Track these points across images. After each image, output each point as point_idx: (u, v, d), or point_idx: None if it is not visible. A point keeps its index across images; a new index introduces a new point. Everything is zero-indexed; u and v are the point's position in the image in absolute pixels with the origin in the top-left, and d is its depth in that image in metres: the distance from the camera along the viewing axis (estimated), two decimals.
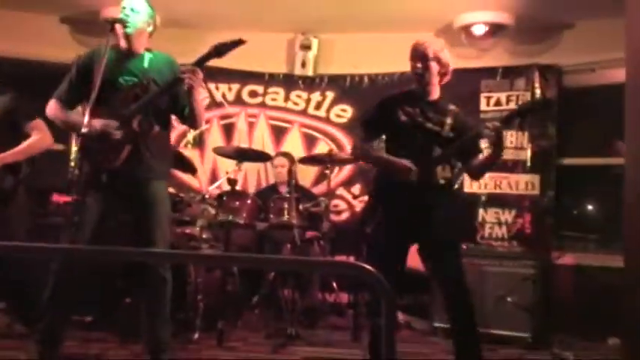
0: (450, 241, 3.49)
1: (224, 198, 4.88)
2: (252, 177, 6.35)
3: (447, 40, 6.15)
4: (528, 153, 5.82)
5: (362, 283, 4.47)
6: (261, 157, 5.37)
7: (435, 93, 3.55)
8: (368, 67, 6.35)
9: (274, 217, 4.92)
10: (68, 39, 6.34)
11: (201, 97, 6.12)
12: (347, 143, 6.28)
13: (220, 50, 3.34)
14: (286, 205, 4.91)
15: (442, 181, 3.42)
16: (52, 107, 3.54)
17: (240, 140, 6.35)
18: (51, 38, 6.24)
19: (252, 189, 6.17)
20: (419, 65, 3.49)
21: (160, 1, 5.66)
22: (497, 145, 3.36)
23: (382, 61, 6.30)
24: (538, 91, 5.83)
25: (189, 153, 6.11)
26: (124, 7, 3.50)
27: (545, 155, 5.79)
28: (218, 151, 5.26)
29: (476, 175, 3.76)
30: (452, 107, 3.55)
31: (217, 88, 6.47)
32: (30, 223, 4.81)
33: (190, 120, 3.54)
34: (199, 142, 6.46)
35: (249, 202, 4.93)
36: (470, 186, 5.91)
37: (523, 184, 5.82)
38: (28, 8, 6.02)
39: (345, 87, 6.39)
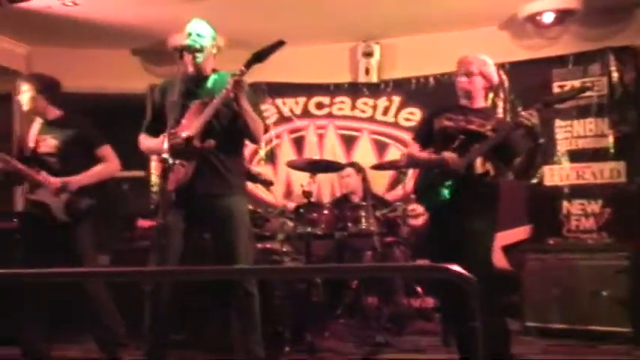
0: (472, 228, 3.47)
1: (301, 210, 4.91)
2: (325, 188, 6.37)
3: (513, 31, 6.07)
4: (610, 139, 5.60)
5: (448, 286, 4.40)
6: (333, 167, 5.38)
7: (480, 102, 3.69)
8: (433, 68, 6.28)
9: (352, 225, 4.91)
10: (140, 70, 6.57)
11: (267, 112, 6.36)
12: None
13: (260, 56, 3.37)
14: (363, 213, 4.90)
15: (479, 171, 3.50)
16: (140, 140, 3.70)
17: (311, 152, 6.39)
18: (124, 71, 6.49)
19: (326, 199, 6.19)
20: (463, 80, 3.65)
21: (222, 23, 5.85)
22: (532, 136, 3.43)
23: (446, 60, 6.15)
24: (615, 75, 5.61)
25: (262, 169, 6.19)
26: (189, 34, 3.59)
27: (629, 140, 5.56)
28: (291, 165, 5.30)
29: (520, 174, 3.73)
30: (497, 115, 3.60)
31: (284, 104, 6.55)
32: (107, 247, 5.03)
33: (246, 132, 3.55)
34: (271, 158, 6.55)
35: (326, 212, 4.94)
36: (551, 179, 5.73)
37: (608, 172, 5.60)
38: (101, 45, 6.27)
39: (411, 90, 6.34)
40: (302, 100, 6.55)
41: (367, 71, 6.34)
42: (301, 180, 5.62)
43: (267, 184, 5.38)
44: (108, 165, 4.13)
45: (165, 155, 3.31)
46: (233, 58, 6.21)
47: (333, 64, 6.51)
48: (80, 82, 6.33)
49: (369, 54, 6.32)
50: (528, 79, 5.83)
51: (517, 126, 3.42)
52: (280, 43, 3.40)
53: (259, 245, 4.92)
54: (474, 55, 3.73)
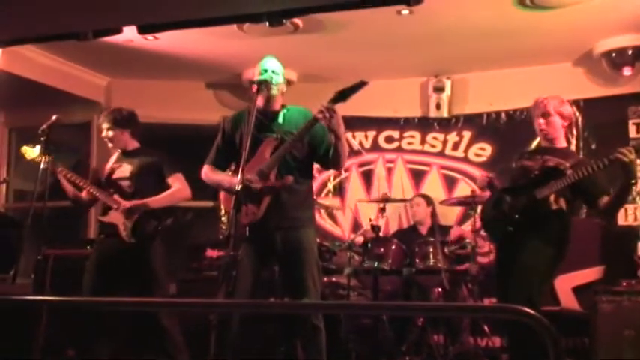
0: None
1: (369, 245, 4.92)
2: (393, 220, 6.35)
3: (588, 68, 5.95)
4: None
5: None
6: (402, 201, 5.39)
7: (561, 142, 3.67)
8: (504, 104, 6.23)
9: (420, 261, 4.88)
10: (213, 102, 6.77)
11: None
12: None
13: (344, 94, 3.46)
14: (431, 249, 4.87)
15: (554, 207, 3.46)
16: (204, 171, 3.78)
17: (380, 186, 6.40)
18: (198, 103, 6.69)
19: (393, 229, 6.17)
20: (541, 121, 3.61)
21: (295, 58, 6.04)
22: (627, 174, 3.26)
23: (518, 95, 6.13)
24: None
25: (331, 202, 6.23)
26: (265, 70, 3.68)
27: None
28: (362, 201, 5.33)
29: (607, 212, 3.63)
30: (580, 156, 3.57)
31: (354, 137, 6.59)
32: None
33: (334, 161, 3.60)
34: (340, 191, 6.58)
35: (393, 247, 4.94)
36: (624, 219, 5.54)
37: None
38: (177, 77, 6.50)
39: (482, 125, 6.29)
40: (372, 133, 6.58)
41: (438, 106, 6.33)
42: (369, 214, 5.66)
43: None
44: (179, 190, 4.26)
45: (238, 186, 3.38)
46: (305, 92, 6.47)
47: (404, 99, 6.54)
48: (156, 112, 6.59)
49: (440, 89, 6.32)
50: (603, 117, 5.70)
51: (612, 162, 3.27)
52: (363, 83, 3.52)
53: (326, 279, 4.96)
54: (548, 94, 3.70)
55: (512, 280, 3.41)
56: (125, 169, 4.26)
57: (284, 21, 4.06)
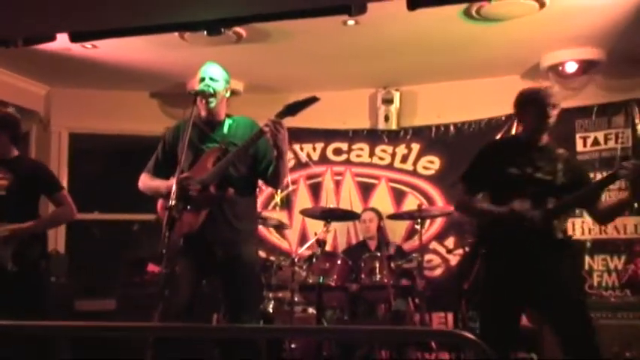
0: (576, 301, 3.23)
1: (314, 260, 4.80)
2: (342, 236, 6.25)
3: (535, 81, 5.95)
4: None
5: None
6: (348, 216, 5.28)
7: (546, 138, 3.34)
8: (453, 116, 6.20)
9: (366, 277, 4.78)
10: (158, 112, 6.57)
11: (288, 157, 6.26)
12: (436, 195, 6.10)
13: (292, 108, 3.38)
14: (378, 264, 4.77)
15: (560, 235, 3.20)
16: (141, 179, 3.62)
17: (328, 199, 6.30)
18: (142, 113, 6.47)
19: (342, 247, 6.07)
20: (554, 113, 3.27)
21: (241, 69, 5.90)
22: (637, 184, 3.09)
23: (467, 108, 6.14)
24: None
25: (278, 215, 6.09)
26: (202, 78, 3.55)
27: None
28: (306, 213, 5.21)
29: (604, 220, 3.51)
30: (561, 151, 3.35)
31: (302, 149, 6.48)
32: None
33: (272, 179, 3.49)
34: (287, 204, 6.45)
35: (339, 262, 4.83)
36: (572, 231, 5.55)
37: (632, 226, 5.42)
38: (120, 87, 6.29)
39: (430, 138, 6.25)
40: (320, 145, 6.48)
41: (387, 118, 6.27)
42: (316, 227, 5.55)
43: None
44: (63, 211, 3.97)
45: (172, 201, 3.23)
46: (251, 102, 6.33)
47: (352, 111, 6.46)
48: (98, 123, 6.38)
49: (389, 101, 6.26)
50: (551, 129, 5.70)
51: (616, 179, 3.15)
52: (314, 99, 3.43)
53: (270, 294, 4.82)
54: (495, 107, 3.57)
55: (575, 316, 3.13)
56: (2, 181, 3.87)
57: (223, 30, 3.93)
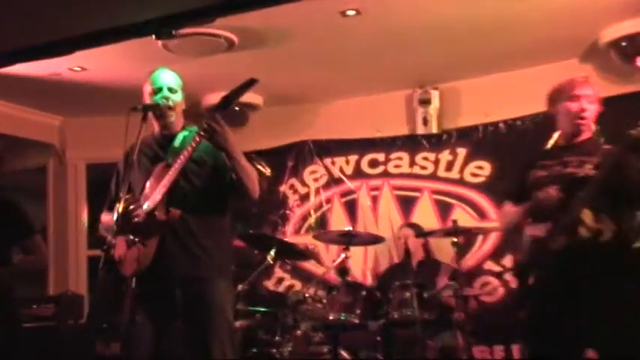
0: None
1: (334, 292, 4.11)
2: (383, 257, 5.48)
3: (596, 63, 5.03)
4: None
5: None
6: (370, 240, 4.55)
7: (586, 133, 2.98)
8: (503, 113, 5.33)
9: (394, 310, 4.03)
10: None
11: (316, 174, 5.64)
12: (488, 206, 5.24)
13: (229, 98, 2.74)
14: (408, 295, 4.01)
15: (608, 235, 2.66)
16: (101, 221, 3.08)
17: (365, 218, 5.59)
18: None
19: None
20: (584, 105, 2.93)
21: (262, 79, 5.25)
22: None
23: (519, 102, 5.25)
24: None
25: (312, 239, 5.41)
26: (159, 89, 2.98)
27: None
28: (320, 238, 4.53)
29: None
30: (605, 147, 2.89)
31: (334, 163, 5.80)
32: None
33: (237, 187, 2.84)
34: (322, 225, 5.76)
35: (364, 294, 4.12)
36: None
37: None
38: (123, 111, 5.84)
39: (478, 140, 5.40)
40: (353, 158, 5.76)
41: (425, 121, 5.48)
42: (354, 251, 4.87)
43: (311, 257, 4.64)
44: (32, 259, 3.48)
45: (109, 237, 2.65)
46: (273, 116, 5.73)
47: (387, 116, 5.71)
48: (115, 151, 5.94)
49: (426, 101, 5.47)
50: (617, 119, 4.72)
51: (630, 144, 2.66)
52: (252, 81, 2.77)
53: (287, 335, 4.16)
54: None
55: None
56: None
57: (173, 32, 3.34)
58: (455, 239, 4.18)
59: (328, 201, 5.78)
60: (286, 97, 5.68)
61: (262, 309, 4.49)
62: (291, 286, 5.68)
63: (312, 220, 5.81)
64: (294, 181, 5.89)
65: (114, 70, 4.67)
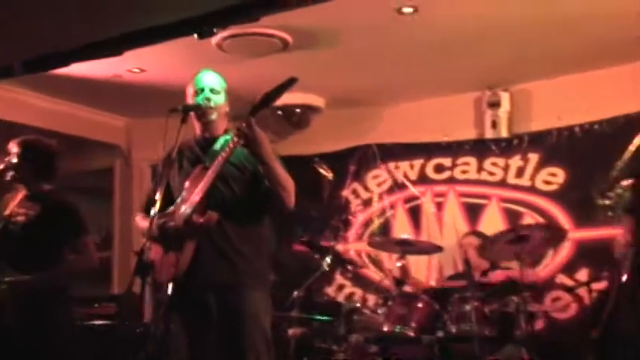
0: None
1: (389, 302, 3.93)
2: (447, 265, 5.23)
3: None
4: None
5: None
6: (427, 249, 4.32)
7: None
8: (579, 116, 4.98)
9: (452, 323, 3.80)
10: None
11: (379, 178, 5.47)
12: (561, 216, 4.90)
13: (268, 97, 2.62)
14: (467, 308, 3.77)
15: None
16: (136, 220, 3.03)
17: (429, 225, 5.36)
18: None
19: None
20: None
21: (320, 81, 5.17)
22: None
23: (596, 105, 4.91)
24: None
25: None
26: (201, 90, 2.92)
27: None
28: (375, 245, 4.34)
29: None
30: None
31: (397, 168, 5.59)
32: None
33: (270, 197, 2.73)
34: (385, 231, 5.57)
35: (420, 305, 3.92)
36: None
37: None
38: None
39: (551, 145, 5.06)
40: (418, 162, 5.53)
41: (494, 124, 5.20)
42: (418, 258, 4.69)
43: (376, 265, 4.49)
44: (81, 259, 3.42)
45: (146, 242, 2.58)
46: (336, 119, 5.60)
47: (454, 119, 5.46)
48: None
49: (495, 104, 5.19)
50: None
51: None
52: (292, 81, 2.62)
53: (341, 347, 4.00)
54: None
55: None
56: (18, 219, 3.38)
57: (215, 31, 3.25)
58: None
59: (391, 207, 5.58)
60: (349, 100, 5.53)
61: (318, 317, 4.38)
62: (351, 294, 5.52)
63: (374, 226, 5.62)
64: (356, 185, 5.73)
65: (171, 71, 4.65)
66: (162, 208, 2.77)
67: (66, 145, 5.45)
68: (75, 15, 3.01)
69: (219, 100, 2.92)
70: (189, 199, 2.73)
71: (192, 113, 2.90)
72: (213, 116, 2.89)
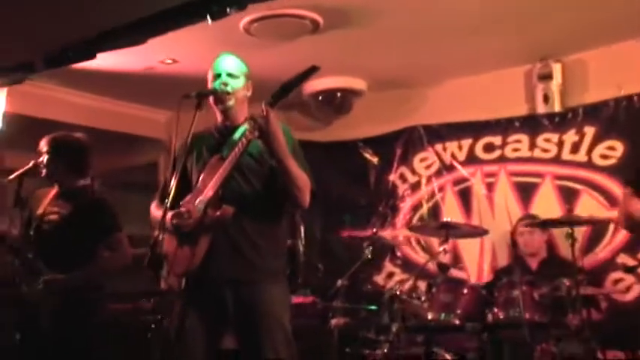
0: None
1: (433, 289, 3.74)
2: (501, 250, 4.98)
3: None
4: None
5: None
6: (472, 232, 4.09)
7: None
8: (639, 86, 4.63)
9: (500, 310, 3.58)
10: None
11: (427, 161, 5.24)
12: (620, 192, 4.56)
13: (288, 87, 2.48)
14: (515, 293, 3.55)
15: None
16: (151, 209, 2.94)
17: (480, 207, 5.11)
18: None
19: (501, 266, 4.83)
20: None
21: (360, 62, 4.99)
22: None
23: None
24: None
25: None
26: (218, 75, 2.82)
27: None
28: (416, 229, 4.15)
29: None
30: None
31: (445, 149, 5.36)
32: None
33: (288, 188, 2.61)
34: (435, 215, 5.35)
35: (465, 292, 3.73)
36: None
37: None
38: None
39: (609, 117, 4.72)
40: (467, 142, 5.28)
41: (546, 98, 4.90)
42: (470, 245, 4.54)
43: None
44: (115, 256, 3.41)
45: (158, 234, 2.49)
46: (379, 102, 5.41)
47: (503, 95, 5.17)
48: None
49: (546, 76, 4.88)
50: None
51: None
52: (312, 69, 2.49)
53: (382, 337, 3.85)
54: None
55: None
56: (52, 217, 3.40)
57: (227, 11, 3.13)
58: (569, 230, 3.62)
59: (440, 190, 5.35)
60: (391, 81, 5.33)
61: (361, 306, 4.25)
62: (401, 281, 5.33)
63: (423, 210, 5.41)
64: (403, 169, 5.53)
65: (203, 60, 4.51)
66: (179, 197, 2.69)
67: (112, 141, 5.56)
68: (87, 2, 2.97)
69: (237, 84, 2.81)
70: (205, 191, 2.64)
71: (211, 100, 2.81)
72: (231, 102, 2.79)
